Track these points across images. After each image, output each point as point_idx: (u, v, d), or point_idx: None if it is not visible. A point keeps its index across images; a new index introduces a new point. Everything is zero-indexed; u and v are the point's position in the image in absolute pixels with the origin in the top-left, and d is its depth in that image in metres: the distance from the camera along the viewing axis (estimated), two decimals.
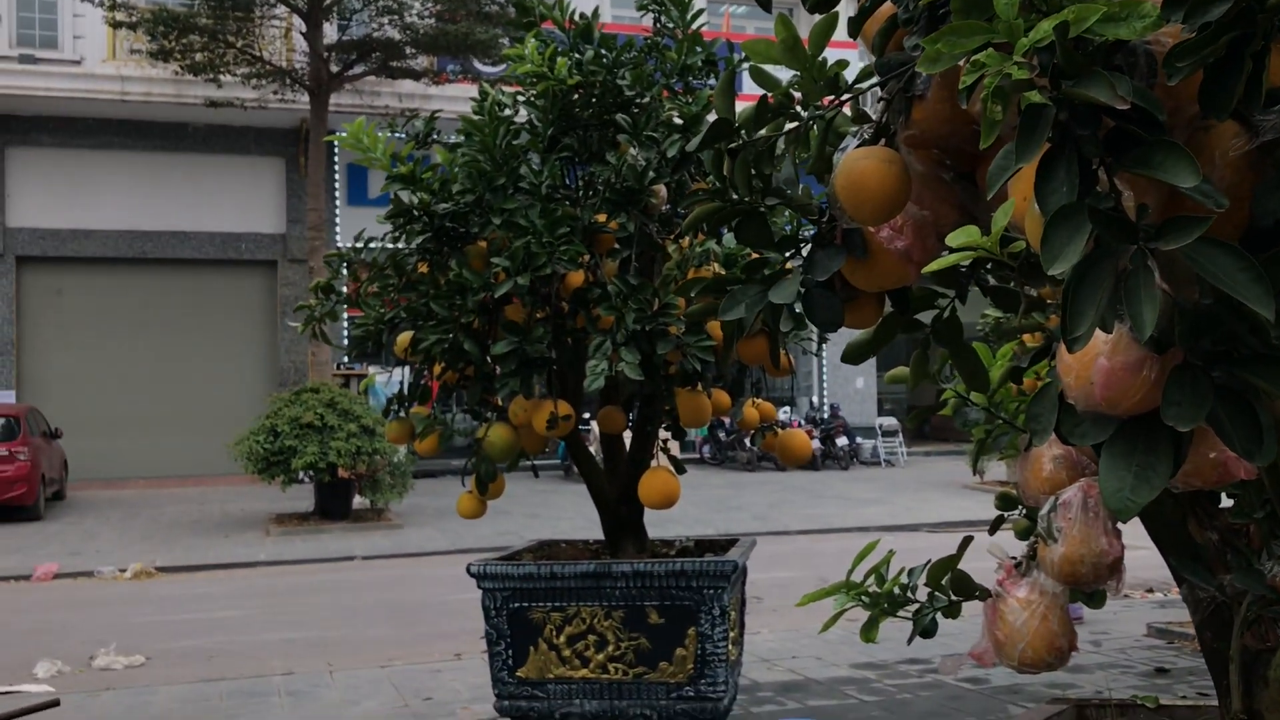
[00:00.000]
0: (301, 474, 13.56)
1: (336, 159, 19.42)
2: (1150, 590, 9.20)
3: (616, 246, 3.88)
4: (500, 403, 3.91)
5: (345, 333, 19.58)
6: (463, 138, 3.99)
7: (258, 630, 8.41)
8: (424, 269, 4.00)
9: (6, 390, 18.32)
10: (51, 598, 10.10)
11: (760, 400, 4.57)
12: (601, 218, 3.86)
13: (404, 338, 4.11)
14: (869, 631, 2.68)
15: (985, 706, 5.48)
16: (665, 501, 3.82)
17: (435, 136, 4.26)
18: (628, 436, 4.29)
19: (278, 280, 19.79)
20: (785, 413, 19.13)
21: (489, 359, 3.80)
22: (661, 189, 3.90)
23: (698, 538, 4.85)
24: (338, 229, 19.31)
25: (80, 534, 13.46)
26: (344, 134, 3.84)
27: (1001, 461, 13.82)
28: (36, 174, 18.67)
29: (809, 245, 1.74)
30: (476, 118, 3.95)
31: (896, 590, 2.66)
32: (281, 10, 15.62)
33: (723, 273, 3.62)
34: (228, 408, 18.73)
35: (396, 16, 14.73)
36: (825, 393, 21.96)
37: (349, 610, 9.20)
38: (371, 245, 4.14)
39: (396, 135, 4.13)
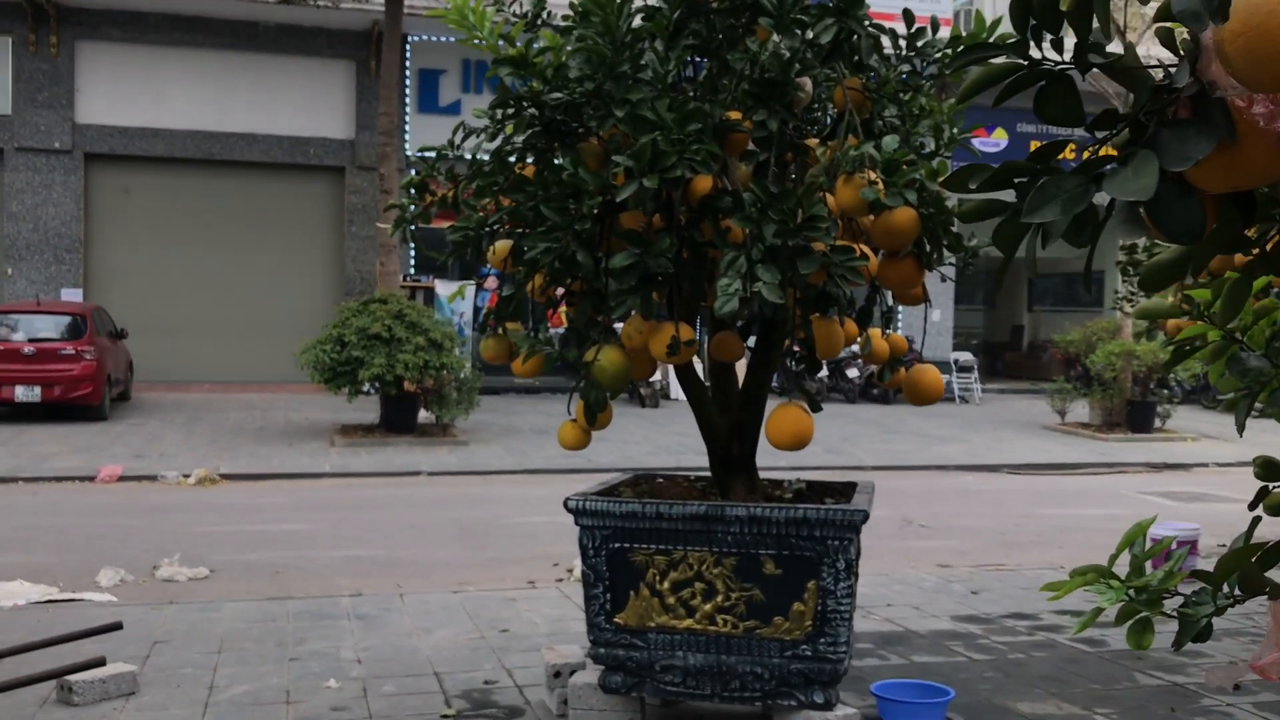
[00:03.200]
0: (367, 385, 13.30)
1: (409, 63, 18.91)
2: None
3: (751, 148, 3.39)
4: (612, 323, 3.47)
5: (412, 248, 19.25)
6: (575, 20, 3.49)
7: (324, 546, 8.16)
8: (528, 171, 3.55)
9: (74, 288, 18.25)
10: (115, 501, 9.95)
11: (893, 332, 4.10)
12: (733, 115, 3.37)
13: (502, 245, 3.67)
14: (1141, 637, 2.20)
15: (1107, 673, 5.04)
16: (797, 442, 3.37)
17: (545, 19, 3.77)
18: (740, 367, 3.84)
19: (345, 187, 19.43)
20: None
21: (601, 272, 3.35)
22: (807, 82, 3.39)
23: (809, 479, 4.42)
24: (407, 136, 18.86)
25: (145, 437, 13.36)
26: (447, 6, 3.36)
27: (1096, 404, 13.19)
28: (106, 70, 18.37)
29: (1141, 124, 1.25)
30: None
31: (1156, 584, 2.17)
32: None
33: (878, 180, 3.13)
34: (292, 315, 18.53)
35: None
36: (900, 324, 21.32)
37: (416, 529, 8.93)
38: (469, 142, 3.68)
39: (501, 16, 3.64)
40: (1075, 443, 15.22)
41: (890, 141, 3.17)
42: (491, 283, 20.66)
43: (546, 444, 13.70)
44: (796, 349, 3.51)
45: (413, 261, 19.27)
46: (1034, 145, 1.45)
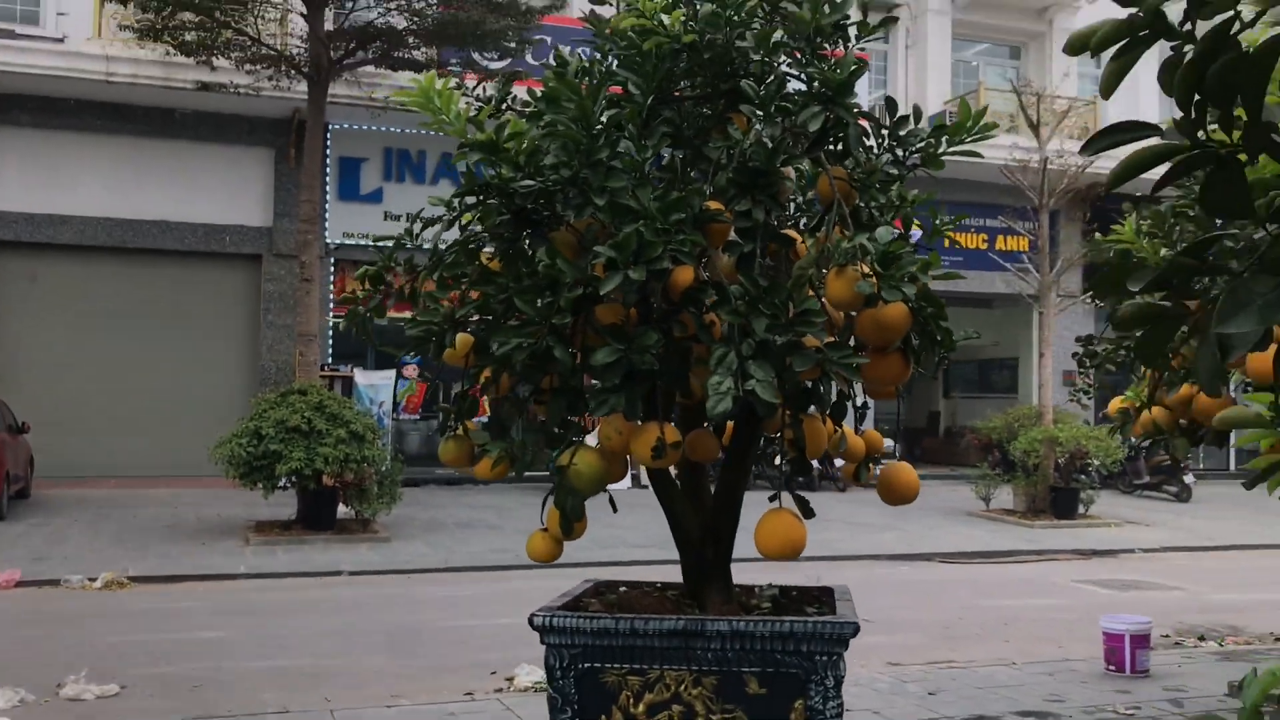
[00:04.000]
0: (284, 480, 12.78)
1: (330, 151, 18.65)
2: (1201, 638, 8.61)
3: (733, 239, 3.22)
4: (589, 423, 3.25)
5: (330, 337, 18.81)
6: (541, 105, 3.31)
7: (245, 655, 7.66)
8: (494, 265, 3.33)
9: None
10: (14, 609, 9.29)
11: (869, 429, 3.94)
12: (713, 204, 3.21)
13: (464, 339, 3.43)
14: None
15: None
16: (790, 551, 3.15)
17: (509, 104, 3.60)
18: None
19: (262, 275, 18.96)
20: None
21: (578, 369, 3.12)
22: (790, 172, 3.25)
23: (781, 583, 4.19)
24: (327, 224, 18.53)
25: (46, 537, 12.62)
26: (409, 88, 3.15)
27: (1020, 490, 13.23)
28: (13, 155, 17.78)
29: None
30: (563, 82, 3.28)
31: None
32: None
33: (870, 272, 2.98)
34: (205, 407, 17.89)
35: (404, 1, 13.98)
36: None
37: (341, 634, 8.46)
38: (429, 231, 3.46)
39: (465, 102, 3.44)
40: (1002, 529, 15.23)
41: (885, 233, 3.03)
42: (412, 370, 20.29)
43: (471, 538, 13.28)
44: (783, 449, 3.31)
45: (330, 350, 18.80)
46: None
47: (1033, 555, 13.36)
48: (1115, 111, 23.66)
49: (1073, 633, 8.69)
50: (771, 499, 3.21)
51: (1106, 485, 19.35)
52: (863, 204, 3.26)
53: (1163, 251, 4.29)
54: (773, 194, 3.15)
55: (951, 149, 3.41)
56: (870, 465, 3.88)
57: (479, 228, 3.38)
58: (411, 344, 3.36)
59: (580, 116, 3.13)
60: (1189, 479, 19.01)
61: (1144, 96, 24.94)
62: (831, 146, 3.30)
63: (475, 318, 3.34)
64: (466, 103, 3.34)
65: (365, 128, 18.77)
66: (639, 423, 3.09)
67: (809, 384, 3.12)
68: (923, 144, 3.40)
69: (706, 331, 3.11)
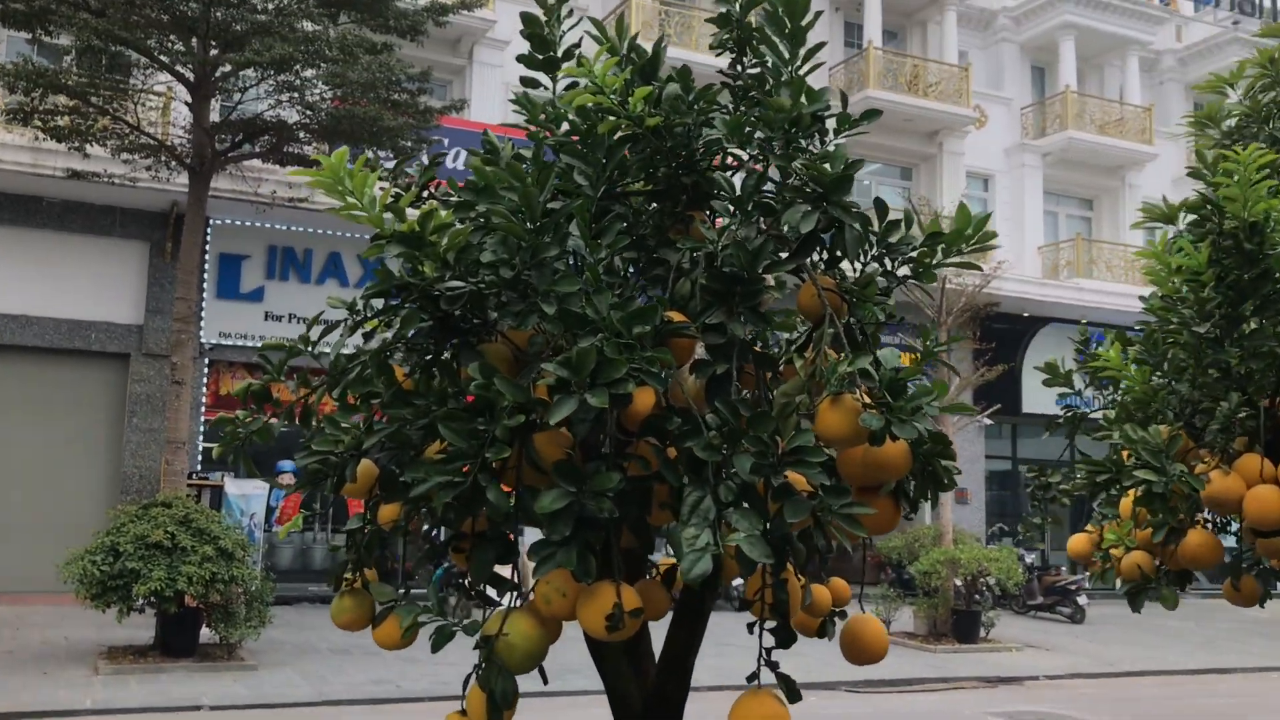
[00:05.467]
0: (142, 602, 11.65)
1: (209, 246, 17.75)
2: None
3: (702, 357, 2.69)
4: (517, 579, 2.64)
5: (200, 443, 17.66)
6: (469, 194, 2.77)
7: None
8: (407, 383, 2.73)
9: None
10: None
11: (836, 578, 3.41)
12: (675, 315, 2.68)
13: (366, 469, 2.81)
14: None
15: None
16: None
17: (431, 192, 3.05)
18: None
19: (129, 376, 17.79)
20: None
21: (511, 515, 2.53)
22: (770, 280, 2.76)
23: None
24: (203, 322, 17.55)
25: None
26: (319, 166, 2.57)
27: (921, 613, 12.79)
28: None
29: None
30: (504, 167, 2.75)
31: None
32: (164, 78, 14.12)
33: (867, 401, 2.48)
34: (59, 516, 16.49)
35: (296, 94, 13.39)
36: None
37: None
38: (331, 338, 2.86)
39: (383, 189, 2.87)
40: (906, 655, 14.78)
41: (890, 355, 2.53)
42: (287, 479, 19.20)
43: (348, 666, 12.26)
44: (762, 614, 2.73)
45: (200, 457, 17.61)
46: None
47: (939, 683, 12.90)
48: (1004, 229, 24.26)
49: None
50: (750, 679, 2.63)
51: (1001, 605, 19.16)
52: (854, 320, 2.77)
53: (1154, 379, 3.92)
54: (753, 305, 2.64)
55: (949, 260, 2.96)
56: (835, 619, 3.34)
57: (389, 336, 2.79)
58: (306, 478, 2.72)
59: (523, 207, 2.59)
60: (1082, 600, 18.95)
61: (1029, 215, 25.66)
62: (817, 254, 2.82)
63: (384, 448, 2.73)
64: (382, 189, 2.78)
65: (248, 223, 17.97)
66: (589, 583, 2.49)
67: (842, 541, 2.58)
68: (915, 253, 2.94)
69: (671, 468, 2.56)
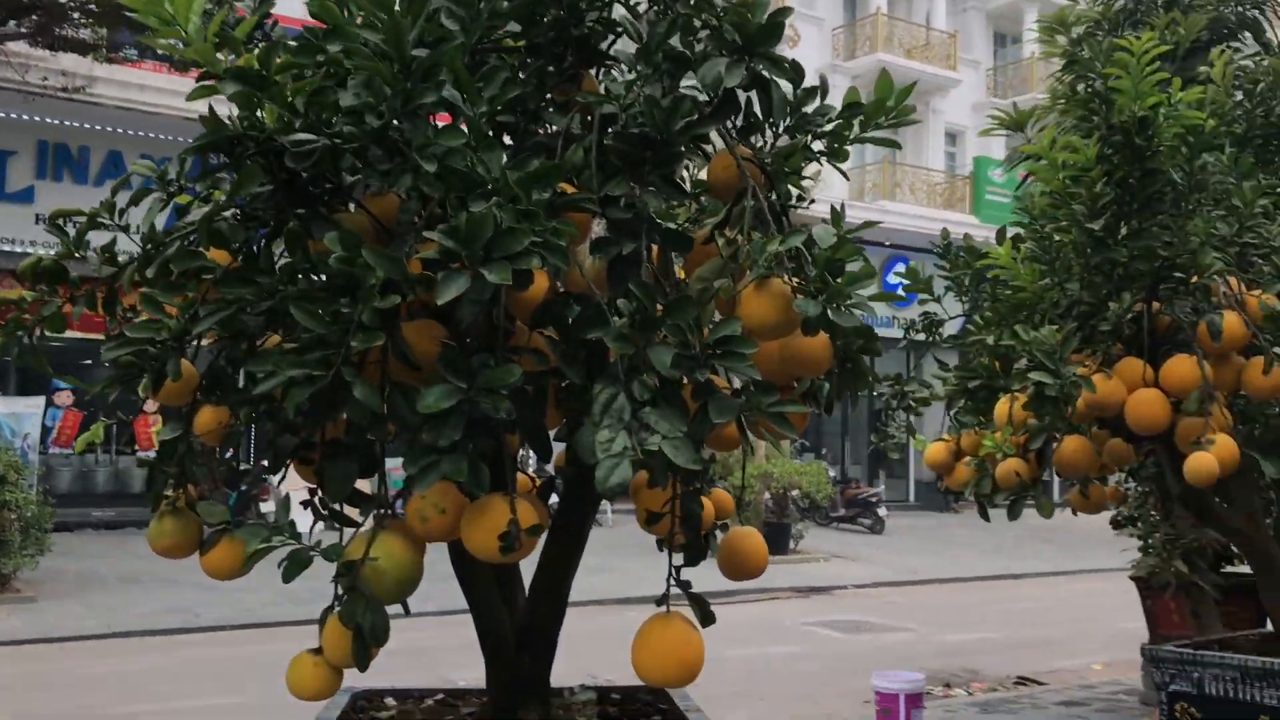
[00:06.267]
0: None
1: None
2: (948, 685, 8.41)
3: (602, 234, 2.31)
4: (396, 498, 2.22)
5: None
6: (317, 36, 2.26)
7: None
8: (216, 254, 2.23)
9: None
10: None
11: (717, 489, 3.14)
12: (566, 187, 2.28)
13: (188, 371, 2.32)
14: None
15: None
16: (683, 675, 2.25)
17: (270, 29, 2.52)
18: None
19: None
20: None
21: (381, 418, 2.09)
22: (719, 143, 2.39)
23: (599, 684, 3.29)
24: None
25: None
26: None
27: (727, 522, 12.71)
28: None
29: None
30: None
31: None
32: None
33: (793, 285, 2.18)
34: None
35: None
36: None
37: None
38: (139, 206, 2.32)
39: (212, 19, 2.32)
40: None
41: (826, 234, 2.21)
42: (65, 398, 17.75)
43: (137, 595, 11.43)
44: (671, 530, 2.40)
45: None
46: None
47: (756, 594, 13.05)
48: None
49: (827, 686, 8.26)
50: (659, 602, 2.30)
51: (807, 517, 19.67)
52: (774, 197, 2.43)
53: (1044, 280, 3.75)
54: (667, 173, 2.26)
55: (866, 134, 2.64)
56: (716, 533, 3.06)
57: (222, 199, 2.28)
58: (116, 374, 2.20)
59: (390, 43, 2.11)
60: (882, 512, 19.65)
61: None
62: (732, 122, 2.46)
63: (216, 337, 2.23)
64: (210, 13, 2.23)
65: (15, 115, 16.24)
66: (480, 496, 2.09)
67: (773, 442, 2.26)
68: (832, 125, 2.60)
69: (573, 363, 2.18)
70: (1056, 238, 3.70)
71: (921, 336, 5.11)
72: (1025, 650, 9.91)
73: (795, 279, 2.22)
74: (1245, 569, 7.32)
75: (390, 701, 3.15)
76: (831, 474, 20.21)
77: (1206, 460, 3.47)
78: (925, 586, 14.49)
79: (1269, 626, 5.95)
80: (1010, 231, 4.03)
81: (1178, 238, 3.69)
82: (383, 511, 2.17)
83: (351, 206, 2.30)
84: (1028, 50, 27.91)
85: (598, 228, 2.34)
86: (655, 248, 2.34)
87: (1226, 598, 6.47)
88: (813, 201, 2.69)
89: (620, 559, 15.08)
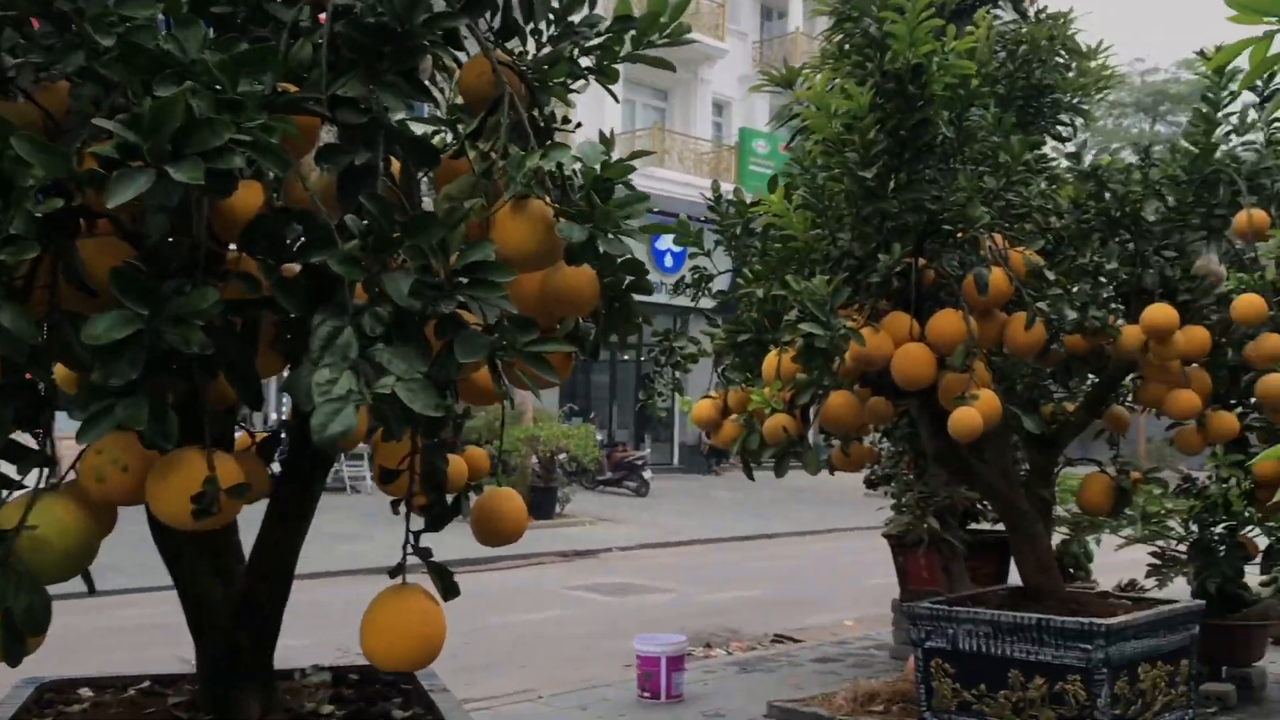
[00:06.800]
0: None
1: None
2: (709, 645, 8.44)
3: (331, 140, 1.96)
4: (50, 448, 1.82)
5: None
6: None
7: None
8: None
9: None
10: None
11: (474, 447, 2.86)
12: (289, 87, 1.94)
13: None
14: None
15: None
16: (421, 656, 1.96)
17: None
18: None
19: None
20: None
21: (44, 350, 1.70)
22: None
23: (351, 661, 2.96)
24: None
25: None
26: None
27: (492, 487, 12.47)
28: None
29: None
30: None
31: None
32: None
33: (548, 204, 1.91)
34: None
35: None
36: (284, 408, 19.55)
37: None
38: None
39: None
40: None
41: (593, 151, 1.94)
42: None
43: None
44: (410, 489, 2.08)
45: None
46: None
47: (520, 559, 12.83)
48: (584, 115, 24.38)
49: (589, 650, 8.12)
50: (393, 573, 1.99)
51: (574, 480, 19.61)
52: (537, 112, 2.14)
53: (816, 230, 3.62)
54: (408, 71, 1.93)
55: (639, 52, 2.39)
56: (469, 493, 2.78)
57: None
58: None
59: None
60: (648, 474, 19.80)
61: (608, 101, 25.93)
62: (488, 22, 2.15)
63: None
64: None
65: None
66: (167, 449, 1.72)
67: (532, 388, 1.97)
68: (601, 39, 2.34)
69: (290, 291, 1.83)
70: (829, 186, 3.58)
71: (691, 293, 4.95)
72: (782, 607, 10.10)
73: (559, 206, 1.95)
74: (987, 526, 7.65)
75: (85, 693, 2.72)
76: (599, 437, 20.19)
77: (970, 415, 3.45)
78: (688, 547, 14.66)
79: (1012, 580, 6.18)
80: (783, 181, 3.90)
81: (946, 191, 3.65)
82: (47, 470, 1.77)
83: (16, 96, 1.87)
84: (793, 25, 28.65)
85: (327, 135, 1.99)
86: (396, 161, 2.02)
87: (972, 553, 6.69)
88: (579, 125, 2.43)
89: (380, 527, 14.51)
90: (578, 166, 1.97)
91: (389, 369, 1.67)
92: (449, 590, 2.02)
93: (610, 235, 1.87)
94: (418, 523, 2.11)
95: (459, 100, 2.29)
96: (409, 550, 2.03)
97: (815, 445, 3.93)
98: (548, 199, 1.94)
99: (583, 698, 6.52)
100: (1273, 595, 7.09)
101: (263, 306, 1.86)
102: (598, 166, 1.89)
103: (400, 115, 1.94)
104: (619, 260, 2.04)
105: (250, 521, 2.16)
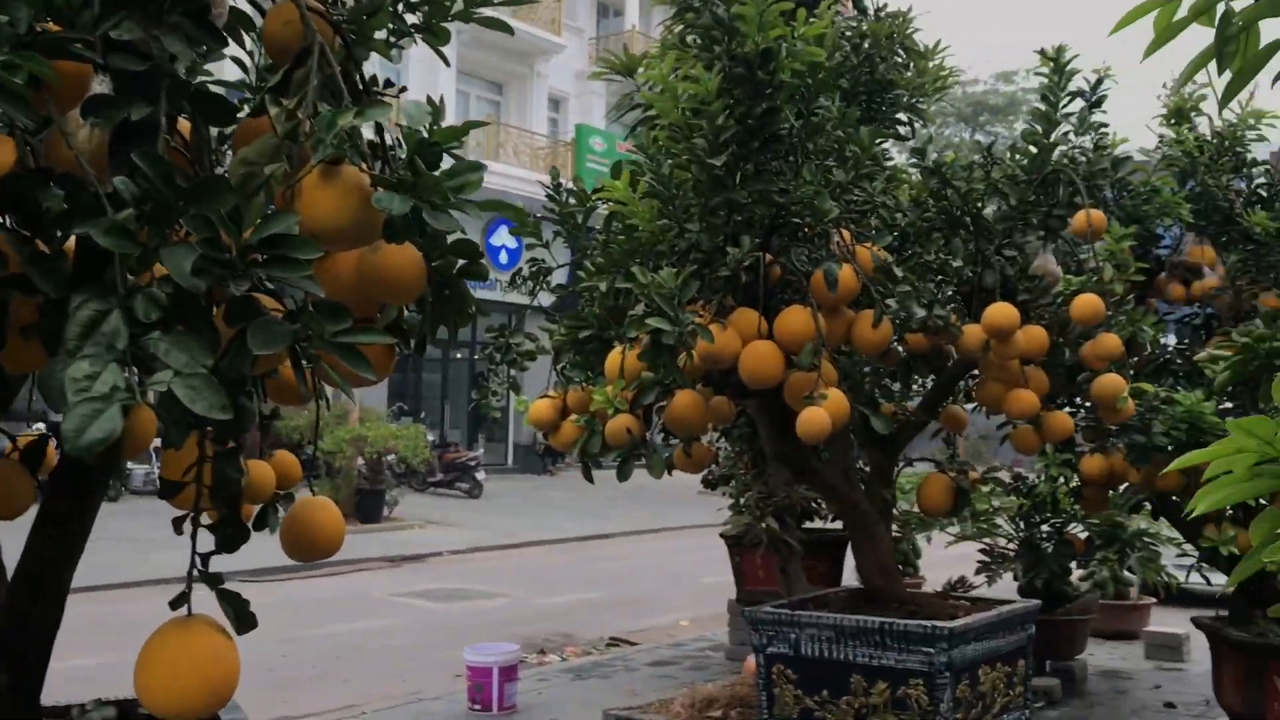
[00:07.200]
0: None
1: None
2: (542, 652, 8.20)
3: (103, 91, 1.66)
4: None
5: None
6: None
7: None
8: None
9: None
10: None
11: (284, 451, 2.57)
12: (53, 26, 1.63)
13: None
14: None
15: None
16: (211, 700, 1.66)
17: None
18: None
19: None
20: None
21: None
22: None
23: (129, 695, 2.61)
24: None
25: None
26: None
27: (326, 495, 12.06)
28: None
29: None
30: None
31: None
32: None
33: (365, 171, 1.66)
34: None
35: None
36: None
37: None
38: None
39: None
40: None
41: (418, 111, 1.69)
42: None
43: None
44: (196, 503, 1.78)
45: None
46: None
47: (344, 565, 12.29)
48: None
49: (417, 662, 7.77)
50: (175, 604, 1.69)
51: (403, 482, 19.05)
52: (353, 67, 1.87)
53: (662, 220, 3.43)
54: (197, 11, 1.64)
55: (472, 11, 2.14)
56: (278, 505, 2.49)
57: None
58: None
59: None
60: (481, 475, 19.40)
61: (443, 92, 25.39)
62: None
63: None
64: None
65: None
66: None
67: (343, 387, 1.70)
68: None
69: (47, 267, 1.52)
70: (677, 174, 3.40)
71: (529, 288, 4.72)
72: (617, 610, 9.95)
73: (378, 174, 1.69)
74: (822, 525, 7.66)
75: None
76: (430, 438, 19.67)
77: (819, 416, 3.32)
78: (522, 550, 14.38)
79: (848, 579, 6.15)
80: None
81: (793, 184, 3.51)
82: None
83: None
84: (629, 23, 28.64)
85: (99, 86, 1.68)
86: (184, 120, 1.73)
87: (808, 552, 6.66)
88: (404, 89, 2.16)
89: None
90: (400, 131, 1.71)
91: (166, 361, 1.39)
92: (244, 622, 1.73)
93: (438, 209, 1.62)
94: (208, 542, 1.81)
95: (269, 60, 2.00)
96: (195, 575, 1.73)
97: (656, 446, 3.76)
98: (364, 166, 1.68)
99: (409, 712, 6.20)
100: (1092, 590, 7.31)
101: (13, 287, 1.54)
102: (424, 129, 1.64)
103: (188, 64, 1.65)
104: (449, 239, 1.79)
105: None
